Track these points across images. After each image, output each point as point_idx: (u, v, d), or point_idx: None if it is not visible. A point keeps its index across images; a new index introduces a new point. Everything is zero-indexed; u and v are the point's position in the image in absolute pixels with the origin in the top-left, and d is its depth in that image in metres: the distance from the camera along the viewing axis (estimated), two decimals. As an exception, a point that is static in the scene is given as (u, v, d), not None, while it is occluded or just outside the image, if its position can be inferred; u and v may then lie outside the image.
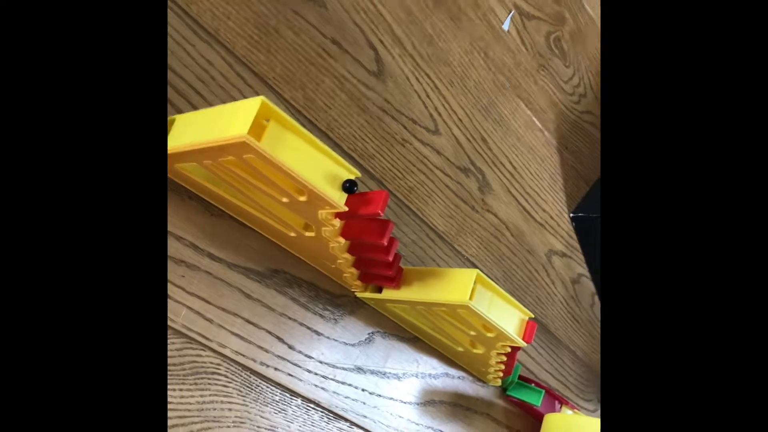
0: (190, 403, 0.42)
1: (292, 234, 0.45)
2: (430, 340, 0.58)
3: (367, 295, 0.52)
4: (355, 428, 0.52)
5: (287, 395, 0.47)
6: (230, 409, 0.44)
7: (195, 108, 0.44)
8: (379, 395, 0.54)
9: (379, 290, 0.51)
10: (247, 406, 0.45)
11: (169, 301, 0.42)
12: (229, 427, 0.44)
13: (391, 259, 0.45)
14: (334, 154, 0.38)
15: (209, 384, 0.43)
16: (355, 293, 0.52)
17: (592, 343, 0.79)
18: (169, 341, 0.42)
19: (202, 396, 0.43)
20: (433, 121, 0.60)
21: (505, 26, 0.68)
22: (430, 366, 0.58)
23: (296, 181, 0.37)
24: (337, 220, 0.41)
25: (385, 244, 0.43)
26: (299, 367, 0.48)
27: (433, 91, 0.60)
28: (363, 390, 0.52)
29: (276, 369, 0.47)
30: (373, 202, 0.40)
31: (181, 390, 0.42)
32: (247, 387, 0.45)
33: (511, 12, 0.68)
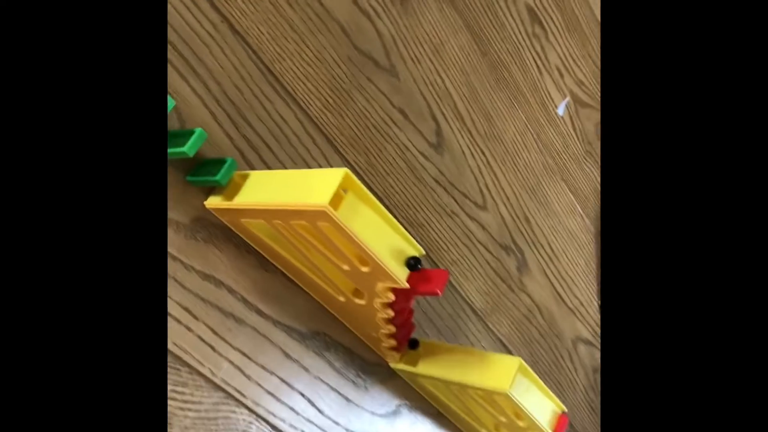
0: (219, 461, 0.41)
1: (341, 298, 0.45)
2: (455, 418, 0.57)
3: (402, 366, 0.51)
4: (373, 503, 0.50)
5: (312, 462, 0.46)
6: (256, 471, 0.43)
7: (264, 162, 0.44)
8: (400, 471, 0.52)
9: (414, 364, 0.51)
10: (272, 469, 0.44)
11: (212, 353, 0.41)
12: (252, 489, 0.43)
13: (394, 321, 0.44)
14: (402, 229, 0.38)
15: (239, 443, 0.42)
16: (390, 363, 0.52)
17: (608, 436, 0.77)
18: (206, 395, 0.41)
19: (230, 455, 0.42)
20: (482, 197, 0.60)
21: (560, 111, 0.69)
22: (451, 445, 0.57)
23: (363, 252, 0.36)
24: (392, 293, 0.41)
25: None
26: (327, 433, 0.47)
27: (486, 167, 0.61)
28: (385, 463, 0.51)
29: (305, 433, 0.46)
30: (433, 281, 0.40)
31: (211, 446, 0.41)
32: (275, 449, 0.44)
33: (566, 98, 0.69)
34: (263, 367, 0.44)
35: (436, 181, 0.56)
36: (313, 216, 0.35)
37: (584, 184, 0.73)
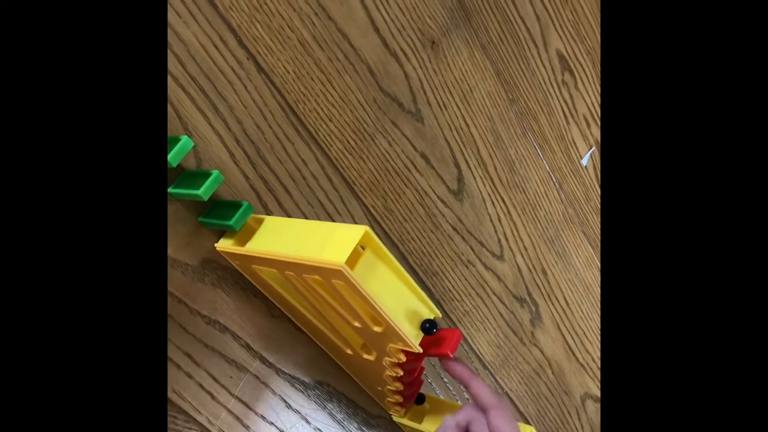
0: None
1: (348, 351, 0.43)
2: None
3: (406, 422, 0.49)
4: None
5: None
6: None
7: (280, 204, 0.42)
8: None
9: (419, 420, 0.49)
10: None
11: (211, 401, 0.40)
12: None
13: (402, 380, 0.42)
14: (419, 290, 0.37)
15: (232, 497, 0.40)
16: (394, 417, 0.49)
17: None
18: (201, 445, 0.39)
19: None
20: (499, 247, 0.59)
21: (584, 161, 0.67)
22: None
23: (377, 312, 0.35)
24: (403, 355, 0.39)
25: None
26: (324, 489, 0.45)
27: (505, 216, 0.59)
28: None
29: (300, 489, 0.44)
30: (445, 343, 0.38)
31: (202, 501, 0.39)
32: (268, 505, 0.42)
33: (591, 148, 0.68)
34: (263, 417, 0.42)
35: (454, 229, 0.55)
36: (328, 273, 0.34)
37: (604, 236, 0.71)
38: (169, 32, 0.36)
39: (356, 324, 0.38)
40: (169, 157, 0.33)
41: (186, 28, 0.37)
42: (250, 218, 0.39)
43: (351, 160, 0.46)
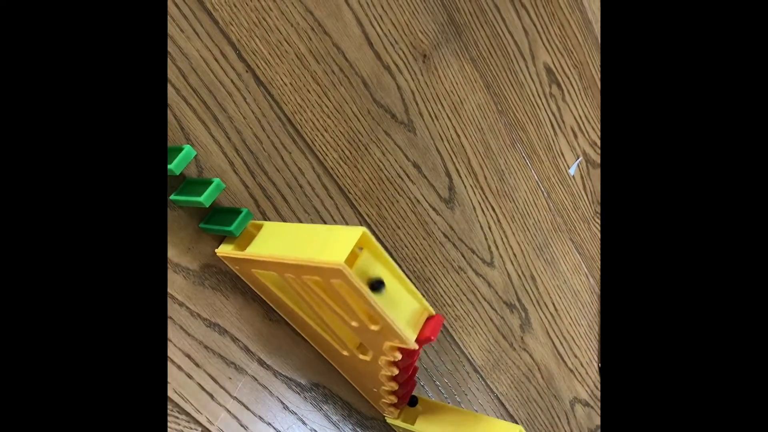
0: None
1: (345, 352, 0.44)
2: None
3: (399, 423, 0.50)
4: None
5: None
6: None
7: (278, 211, 0.44)
8: None
9: (412, 421, 0.50)
10: None
11: (211, 401, 0.41)
12: None
13: (397, 379, 0.44)
14: (414, 289, 0.38)
15: (231, 496, 0.41)
16: (387, 419, 0.51)
17: (601, 501, 0.75)
18: (201, 444, 0.40)
19: (221, 508, 0.41)
20: (490, 253, 0.60)
21: (572, 171, 0.69)
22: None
23: (374, 311, 0.36)
24: (399, 353, 0.41)
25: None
26: (320, 489, 0.46)
27: (495, 225, 0.61)
28: None
29: (297, 488, 0.45)
30: (427, 327, 0.39)
31: (202, 498, 0.40)
32: (266, 504, 0.43)
33: (578, 158, 0.70)
34: (261, 418, 0.43)
35: (446, 236, 0.56)
36: (327, 273, 0.35)
37: (591, 244, 0.73)
38: (172, 46, 0.38)
39: (353, 323, 0.39)
40: (173, 165, 0.35)
41: (188, 43, 0.39)
42: (249, 224, 0.40)
43: (346, 169, 0.48)
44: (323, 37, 0.45)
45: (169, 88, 0.38)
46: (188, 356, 0.40)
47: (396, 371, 0.43)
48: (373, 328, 0.38)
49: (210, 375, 0.41)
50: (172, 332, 0.39)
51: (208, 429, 0.41)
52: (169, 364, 0.39)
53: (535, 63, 0.63)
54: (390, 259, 0.36)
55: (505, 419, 0.64)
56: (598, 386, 0.75)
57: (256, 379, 0.43)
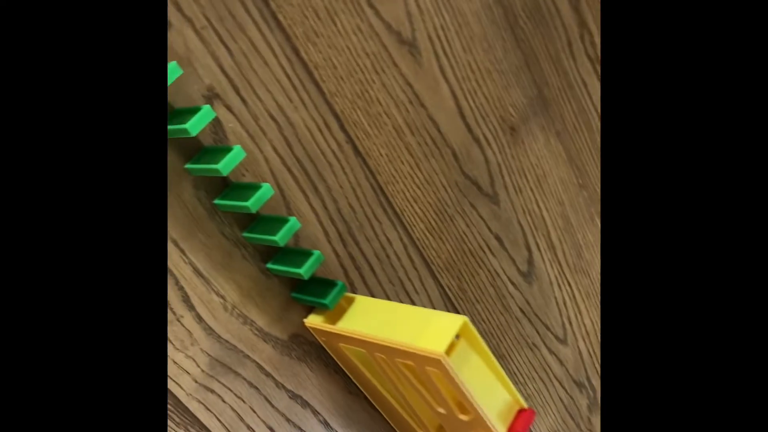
0: None
1: (422, 432, 0.43)
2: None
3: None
4: None
5: None
6: None
7: (365, 282, 0.43)
8: None
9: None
10: None
11: (288, 476, 0.40)
12: None
13: None
14: (508, 381, 0.37)
15: None
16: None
17: None
18: None
19: None
20: (563, 330, 0.59)
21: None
22: None
23: (467, 401, 0.35)
24: (484, 443, 0.39)
25: None
26: None
27: (571, 300, 0.59)
28: None
29: None
30: (518, 422, 0.38)
31: None
32: None
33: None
34: (333, 495, 0.42)
35: (522, 311, 0.55)
36: (424, 361, 0.34)
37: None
38: (280, 116, 0.38)
39: (441, 410, 0.38)
40: (278, 236, 0.35)
41: (295, 113, 0.39)
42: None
43: (431, 240, 0.47)
44: (419, 110, 0.45)
45: (275, 158, 0.38)
46: (270, 429, 0.39)
47: (478, 459, 0.41)
48: (463, 418, 0.37)
49: (289, 449, 0.40)
50: (256, 402, 0.39)
51: (282, 505, 0.40)
52: (251, 436, 0.38)
53: (617, 138, 0.62)
54: (487, 349, 0.35)
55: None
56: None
57: (332, 455, 0.42)
